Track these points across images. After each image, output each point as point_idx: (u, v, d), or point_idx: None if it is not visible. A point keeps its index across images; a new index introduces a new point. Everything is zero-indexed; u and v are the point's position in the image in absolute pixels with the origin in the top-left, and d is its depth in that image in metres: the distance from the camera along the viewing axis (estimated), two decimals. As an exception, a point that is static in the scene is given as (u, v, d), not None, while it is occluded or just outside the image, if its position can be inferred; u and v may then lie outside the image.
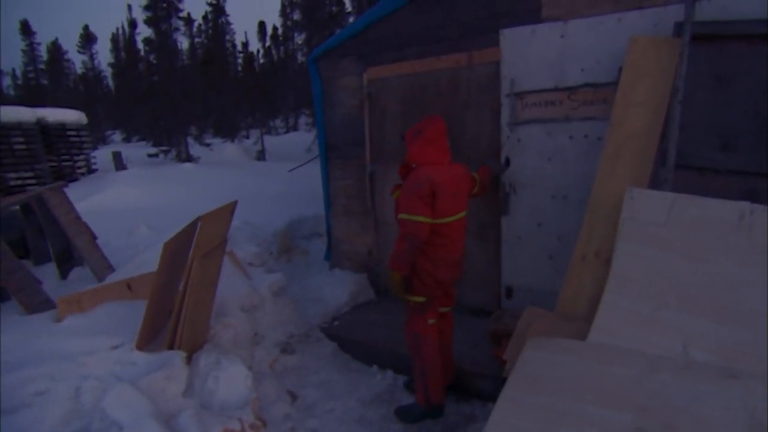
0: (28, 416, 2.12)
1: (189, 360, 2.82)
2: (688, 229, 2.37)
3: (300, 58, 39.95)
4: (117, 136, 33.47)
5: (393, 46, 4.00)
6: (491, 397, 3.03)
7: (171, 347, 2.87)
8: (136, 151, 17.42)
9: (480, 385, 3.10)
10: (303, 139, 19.69)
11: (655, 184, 2.70)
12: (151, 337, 3.05)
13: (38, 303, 3.44)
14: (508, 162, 3.54)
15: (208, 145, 17.28)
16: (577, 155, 3.28)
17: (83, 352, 2.78)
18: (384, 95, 4.16)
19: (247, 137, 23.65)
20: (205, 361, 2.71)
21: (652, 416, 1.79)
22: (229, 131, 21.57)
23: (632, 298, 2.37)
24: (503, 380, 3.09)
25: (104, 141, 29.31)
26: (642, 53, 2.81)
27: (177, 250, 2.91)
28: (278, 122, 29.88)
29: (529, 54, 3.35)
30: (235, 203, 3.10)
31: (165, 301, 3.14)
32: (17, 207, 4.23)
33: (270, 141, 19.81)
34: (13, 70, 45.14)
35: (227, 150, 17.02)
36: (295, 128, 29.45)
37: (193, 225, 3.16)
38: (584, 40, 3.14)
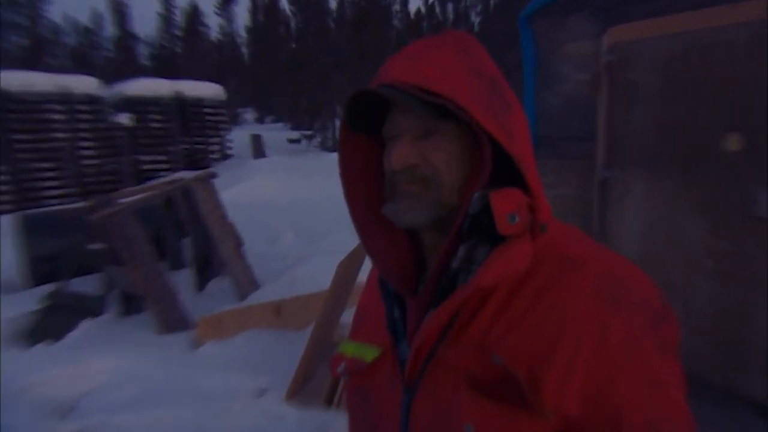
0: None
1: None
2: None
3: (473, 17, 40.26)
4: (249, 114, 36.95)
5: (653, -7, 3.63)
6: None
7: (329, 402, 2.86)
8: (273, 133, 18.91)
9: None
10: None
11: None
12: (304, 382, 3.09)
13: (174, 320, 3.72)
14: None
15: (357, 130, 17.96)
16: None
17: (226, 394, 2.92)
18: (633, 66, 3.78)
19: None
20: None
21: None
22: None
23: None
24: None
25: (236, 120, 32.45)
26: None
27: (347, 274, 2.90)
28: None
29: None
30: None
31: (325, 335, 3.16)
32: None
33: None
34: (148, 38, 52.67)
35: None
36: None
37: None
38: None
